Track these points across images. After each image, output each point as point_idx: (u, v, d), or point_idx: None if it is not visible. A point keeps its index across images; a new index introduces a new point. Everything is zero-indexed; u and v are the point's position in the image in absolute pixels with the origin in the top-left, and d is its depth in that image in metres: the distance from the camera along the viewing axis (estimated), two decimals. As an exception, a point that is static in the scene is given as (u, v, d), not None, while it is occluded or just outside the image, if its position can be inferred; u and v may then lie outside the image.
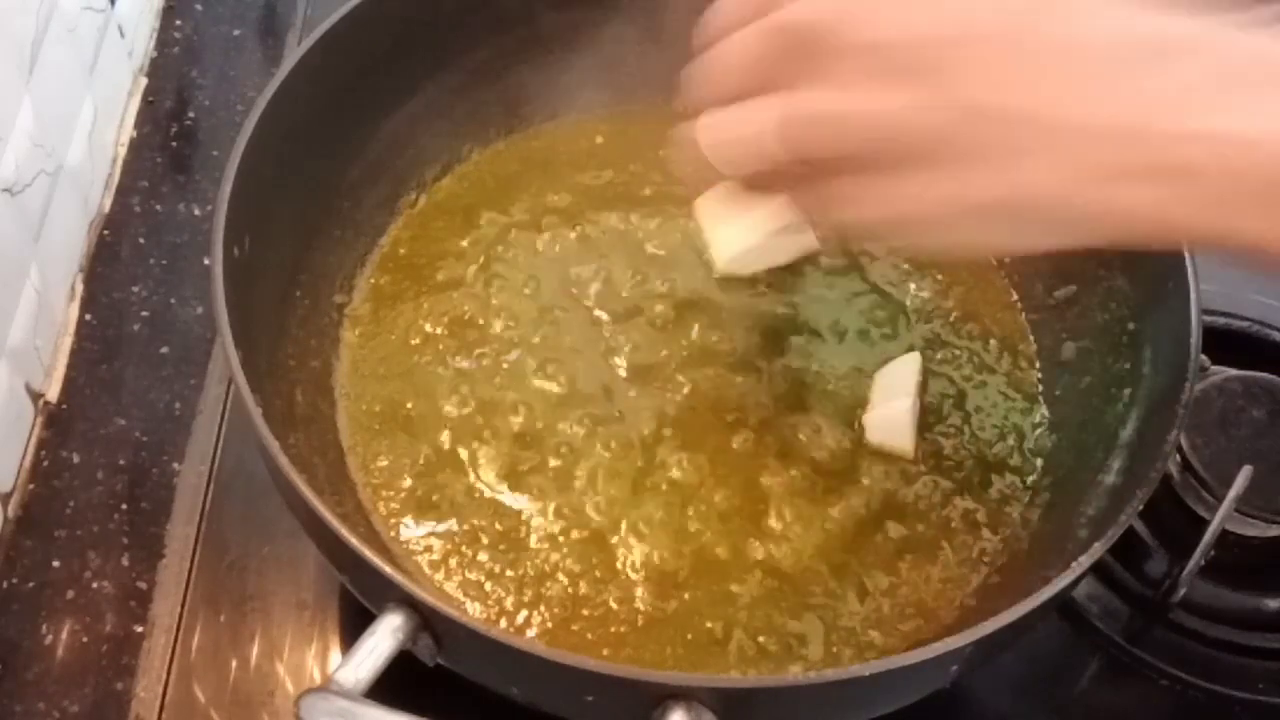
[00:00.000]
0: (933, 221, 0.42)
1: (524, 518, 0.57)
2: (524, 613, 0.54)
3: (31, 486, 0.63)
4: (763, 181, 0.49)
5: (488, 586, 0.55)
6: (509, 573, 0.55)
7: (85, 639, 0.59)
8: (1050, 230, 0.42)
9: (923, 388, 0.61)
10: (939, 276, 0.65)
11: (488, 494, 0.57)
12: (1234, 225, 0.38)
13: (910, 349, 0.62)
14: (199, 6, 0.84)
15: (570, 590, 0.55)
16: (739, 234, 0.65)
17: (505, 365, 0.61)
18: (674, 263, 0.65)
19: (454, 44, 0.66)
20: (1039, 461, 0.59)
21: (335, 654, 0.59)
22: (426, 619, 0.44)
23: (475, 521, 0.57)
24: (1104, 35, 0.39)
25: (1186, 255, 0.54)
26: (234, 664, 0.58)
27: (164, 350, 0.69)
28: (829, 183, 0.44)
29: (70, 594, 0.60)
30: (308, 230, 0.61)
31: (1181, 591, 0.59)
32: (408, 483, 0.58)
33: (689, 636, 0.54)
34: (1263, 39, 0.38)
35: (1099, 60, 0.39)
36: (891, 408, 0.59)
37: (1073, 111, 0.39)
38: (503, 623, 0.54)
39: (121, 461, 0.65)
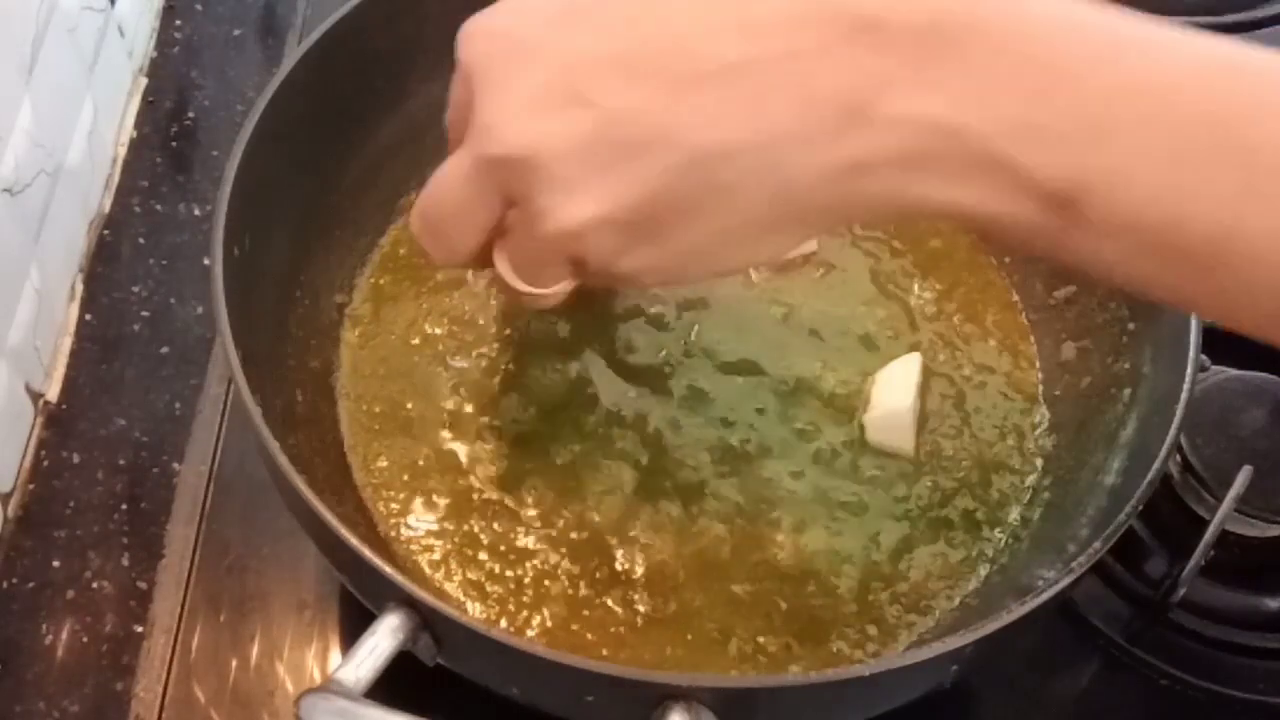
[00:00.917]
0: (691, 273, 0.44)
1: (524, 518, 0.57)
2: (524, 613, 0.54)
3: (31, 486, 0.63)
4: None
5: (488, 587, 0.55)
6: (509, 573, 0.55)
7: (85, 639, 0.59)
8: (791, 236, 0.43)
9: (923, 388, 0.61)
10: (940, 277, 0.65)
11: (488, 494, 0.57)
12: (956, 199, 0.39)
13: (911, 349, 0.62)
14: (199, 6, 0.84)
15: (570, 591, 0.55)
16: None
17: (505, 365, 0.61)
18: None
19: (454, 44, 0.66)
20: (1039, 461, 0.59)
21: (335, 654, 0.59)
22: (426, 619, 0.44)
23: (475, 522, 0.57)
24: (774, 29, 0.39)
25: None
26: (234, 664, 0.58)
27: (164, 350, 0.69)
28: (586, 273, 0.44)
29: (70, 594, 0.60)
30: (308, 230, 0.61)
31: (1181, 591, 0.59)
32: (408, 483, 0.58)
33: (689, 636, 0.54)
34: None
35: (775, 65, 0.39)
36: (892, 408, 0.59)
37: (787, 118, 0.39)
38: (503, 623, 0.54)
39: (121, 461, 0.65)
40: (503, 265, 0.45)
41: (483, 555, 0.56)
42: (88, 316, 0.70)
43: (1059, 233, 0.38)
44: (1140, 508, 0.48)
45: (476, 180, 0.42)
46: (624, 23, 0.40)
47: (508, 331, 0.62)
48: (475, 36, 0.42)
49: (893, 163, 0.38)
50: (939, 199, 0.39)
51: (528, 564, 0.56)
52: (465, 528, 0.56)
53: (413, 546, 0.56)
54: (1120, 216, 0.37)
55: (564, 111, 0.40)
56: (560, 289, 0.45)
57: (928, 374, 0.61)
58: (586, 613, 0.54)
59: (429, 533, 0.56)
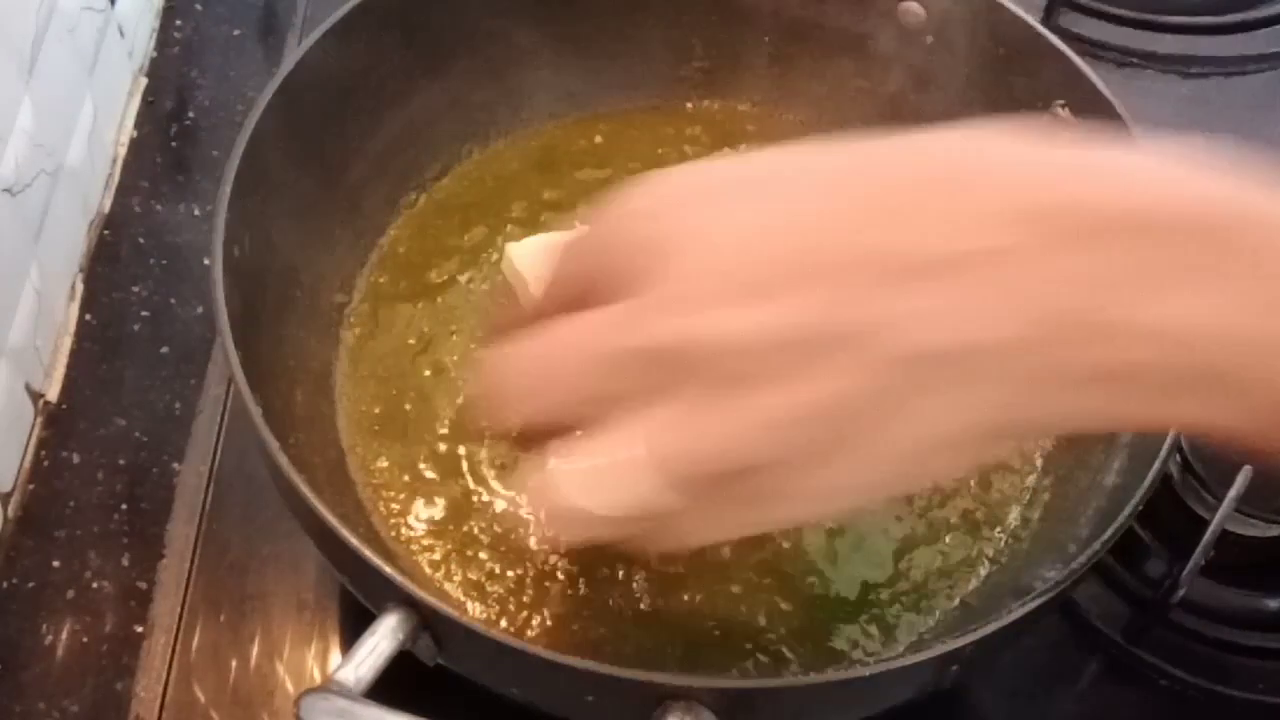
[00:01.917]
0: (881, 484, 0.38)
1: (524, 518, 0.57)
2: (524, 613, 0.54)
3: (31, 486, 0.63)
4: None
5: (488, 587, 0.55)
6: (509, 573, 0.55)
7: (85, 639, 0.59)
8: (988, 447, 0.38)
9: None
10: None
11: (488, 494, 0.57)
12: (1173, 414, 0.36)
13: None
14: (199, 6, 0.84)
15: (570, 590, 0.55)
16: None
17: (505, 365, 0.61)
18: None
19: (454, 44, 0.66)
20: (1039, 461, 0.59)
21: (335, 654, 0.59)
22: (426, 619, 0.44)
23: (475, 522, 0.57)
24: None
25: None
26: (234, 664, 0.58)
27: (164, 350, 0.68)
28: (738, 491, 0.37)
29: (70, 594, 0.60)
30: (308, 230, 0.61)
31: (1181, 591, 0.59)
32: (408, 483, 0.58)
33: (689, 636, 0.54)
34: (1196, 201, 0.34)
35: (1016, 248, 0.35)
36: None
37: (1008, 324, 0.35)
38: (503, 623, 0.54)
39: (121, 461, 0.65)
40: (652, 467, 0.36)
41: (483, 555, 0.56)
42: (88, 316, 0.70)
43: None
44: (1140, 508, 0.48)
45: (623, 360, 0.36)
46: (818, 205, 0.36)
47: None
48: (643, 210, 0.37)
49: (1118, 376, 0.34)
50: (1161, 414, 0.36)
51: (528, 564, 0.55)
52: (465, 528, 0.56)
53: (413, 546, 0.56)
54: None
55: (757, 300, 0.35)
56: (634, 512, 0.37)
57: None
58: (587, 613, 0.54)
59: (429, 533, 0.56)
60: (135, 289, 0.71)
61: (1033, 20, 0.62)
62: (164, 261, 0.72)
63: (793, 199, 0.36)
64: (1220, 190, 0.34)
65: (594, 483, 0.37)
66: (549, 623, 0.54)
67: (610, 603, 0.55)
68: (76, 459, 0.64)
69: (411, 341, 0.62)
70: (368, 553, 0.44)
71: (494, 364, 0.39)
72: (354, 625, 0.57)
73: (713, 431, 0.36)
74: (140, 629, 0.59)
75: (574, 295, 0.38)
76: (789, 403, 0.35)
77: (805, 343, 0.35)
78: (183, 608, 0.60)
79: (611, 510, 0.37)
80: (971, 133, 0.37)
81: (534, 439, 0.39)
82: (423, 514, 0.57)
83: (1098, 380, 0.35)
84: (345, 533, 0.45)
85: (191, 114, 0.79)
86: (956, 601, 0.55)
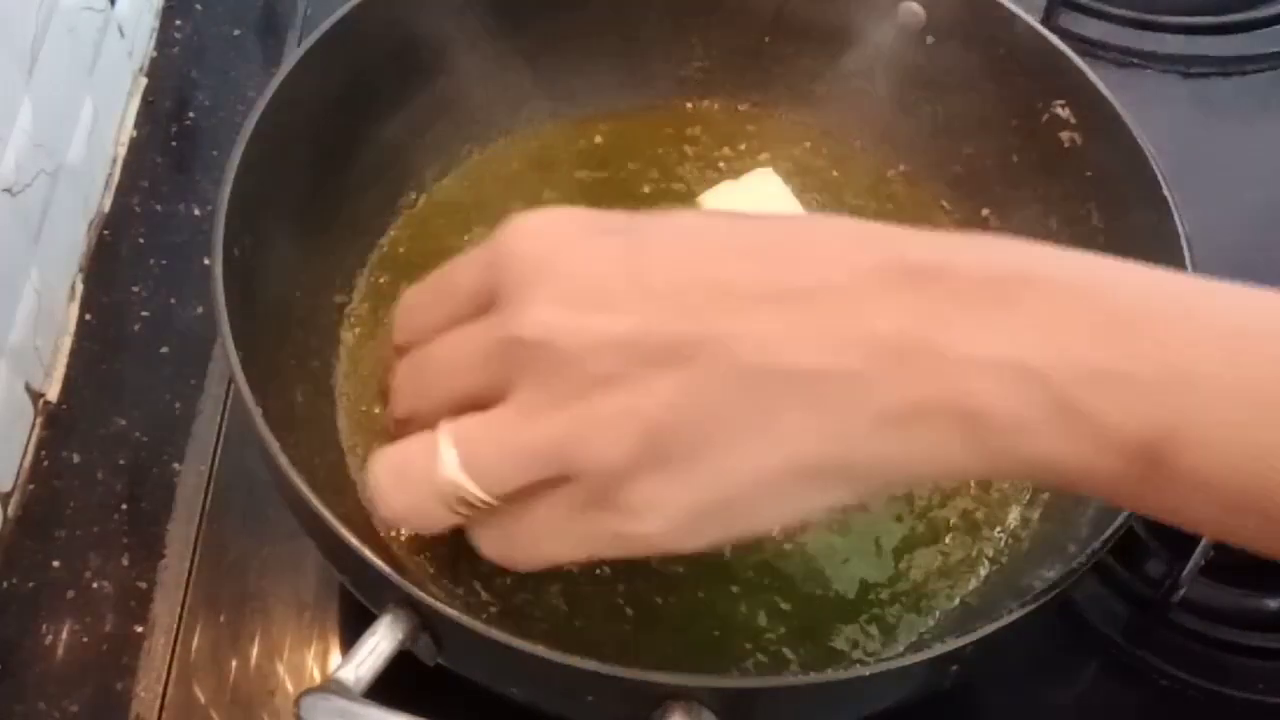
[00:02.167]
0: (711, 512, 0.39)
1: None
2: (524, 612, 0.54)
3: (31, 486, 0.63)
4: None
5: (488, 586, 0.55)
6: (509, 572, 0.55)
7: (85, 639, 0.59)
8: (815, 490, 0.38)
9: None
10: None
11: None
12: (1010, 458, 0.36)
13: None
14: (199, 6, 0.84)
15: (571, 590, 0.55)
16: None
17: (505, 365, 0.61)
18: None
19: (454, 44, 0.66)
20: (1039, 461, 0.59)
21: (335, 654, 0.59)
22: (426, 619, 0.44)
23: (475, 521, 0.56)
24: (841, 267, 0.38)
25: (1186, 258, 0.54)
26: (234, 664, 0.58)
27: (164, 350, 0.68)
28: (559, 498, 0.40)
29: (70, 594, 0.60)
30: (308, 230, 0.61)
31: (1181, 591, 0.59)
32: (408, 483, 0.58)
33: (689, 636, 0.54)
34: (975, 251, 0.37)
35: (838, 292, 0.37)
36: None
37: (844, 352, 0.36)
38: (503, 623, 0.54)
39: (121, 461, 0.64)
40: (448, 447, 0.40)
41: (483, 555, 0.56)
42: (88, 316, 0.70)
43: (1143, 485, 0.35)
44: (1140, 508, 0.48)
45: (486, 352, 0.40)
46: (677, 245, 0.39)
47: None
48: (526, 231, 0.41)
49: (956, 409, 0.36)
50: (1005, 451, 0.36)
51: (528, 564, 0.55)
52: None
53: (413, 546, 0.56)
54: (1209, 468, 0.34)
55: (609, 310, 0.38)
56: (488, 499, 0.41)
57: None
58: (587, 612, 0.54)
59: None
60: (135, 289, 0.71)
61: (1033, 20, 0.62)
62: (164, 261, 0.72)
63: (645, 241, 0.40)
64: (1017, 255, 0.38)
65: (400, 472, 0.42)
66: (549, 622, 0.54)
67: (610, 603, 0.55)
68: (76, 459, 0.64)
69: (411, 341, 0.62)
70: (368, 553, 0.44)
71: (402, 362, 0.45)
72: (354, 625, 0.56)
73: (523, 428, 0.39)
74: (140, 629, 0.59)
75: (460, 308, 0.42)
76: (608, 407, 0.37)
77: (635, 347, 0.37)
78: (183, 608, 0.60)
79: (414, 500, 0.41)
80: (818, 216, 0.41)
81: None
82: (423, 514, 0.57)
83: (931, 416, 0.36)
84: (345, 533, 0.45)
85: (191, 114, 0.79)
86: (956, 601, 0.55)
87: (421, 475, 0.41)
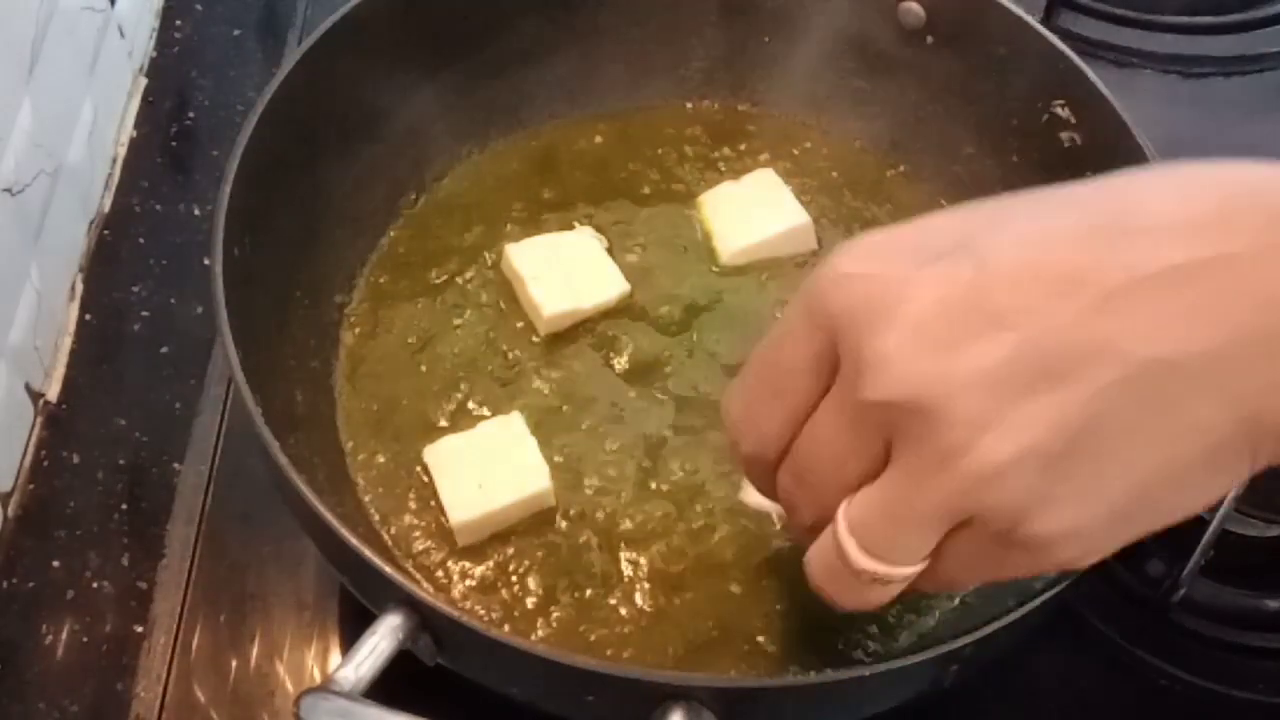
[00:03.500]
0: (1123, 519, 0.37)
1: (525, 517, 0.57)
2: (524, 612, 0.54)
3: (31, 486, 0.63)
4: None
5: (488, 586, 0.55)
6: (510, 572, 0.55)
7: (85, 639, 0.59)
8: (1243, 464, 0.36)
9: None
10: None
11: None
12: None
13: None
14: (199, 6, 0.84)
15: (571, 590, 0.55)
16: (744, 229, 0.66)
17: (506, 365, 0.61)
18: (675, 260, 0.65)
19: (453, 44, 0.66)
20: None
21: (335, 654, 0.59)
22: (426, 619, 0.44)
23: (475, 521, 0.57)
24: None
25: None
26: (234, 664, 0.58)
27: (164, 350, 0.68)
28: (972, 542, 0.37)
29: (70, 594, 0.60)
30: (308, 229, 0.61)
31: (1181, 591, 0.59)
32: (408, 482, 0.58)
33: (689, 636, 0.54)
34: None
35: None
36: None
37: (1227, 330, 0.34)
38: (503, 623, 0.54)
39: (121, 461, 0.64)
40: (847, 537, 0.38)
41: (483, 555, 0.56)
42: (88, 316, 0.70)
43: None
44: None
45: (856, 428, 0.37)
46: (1023, 238, 0.36)
47: (510, 330, 0.63)
48: (848, 274, 0.37)
49: None
50: None
51: (527, 563, 0.55)
52: (465, 528, 0.56)
53: (413, 546, 0.56)
54: None
55: (969, 340, 0.35)
56: (909, 572, 0.38)
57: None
58: (588, 613, 0.54)
59: (429, 532, 0.56)
60: (135, 289, 0.71)
61: (1033, 20, 0.62)
62: (164, 261, 0.72)
63: (984, 258, 0.36)
64: None
65: (828, 575, 0.40)
66: (550, 623, 0.54)
67: (611, 602, 0.55)
68: (76, 459, 0.64)
69: (411, 341, 0.62)
70: (368, 553, 0.44)
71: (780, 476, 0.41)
72: (354, 625, 0.56)
73: (913, 498, 0.36)
74: (140, 629, 0.59)
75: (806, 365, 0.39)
76: (996, 453, 0.34)
77: (1006, 380, 0.34)
78: (183, 608, 0.60)
79: (878, 569, 0.38)
80: (1106, 180, 0.37)
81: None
82: (423, 513, 0.57)
83: None
84: (345, 533, 0.45)
85: (191, 114, 0.79)
86: (956, 601, 0.55)
87: (843, 572, 0.39)
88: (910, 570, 0.38)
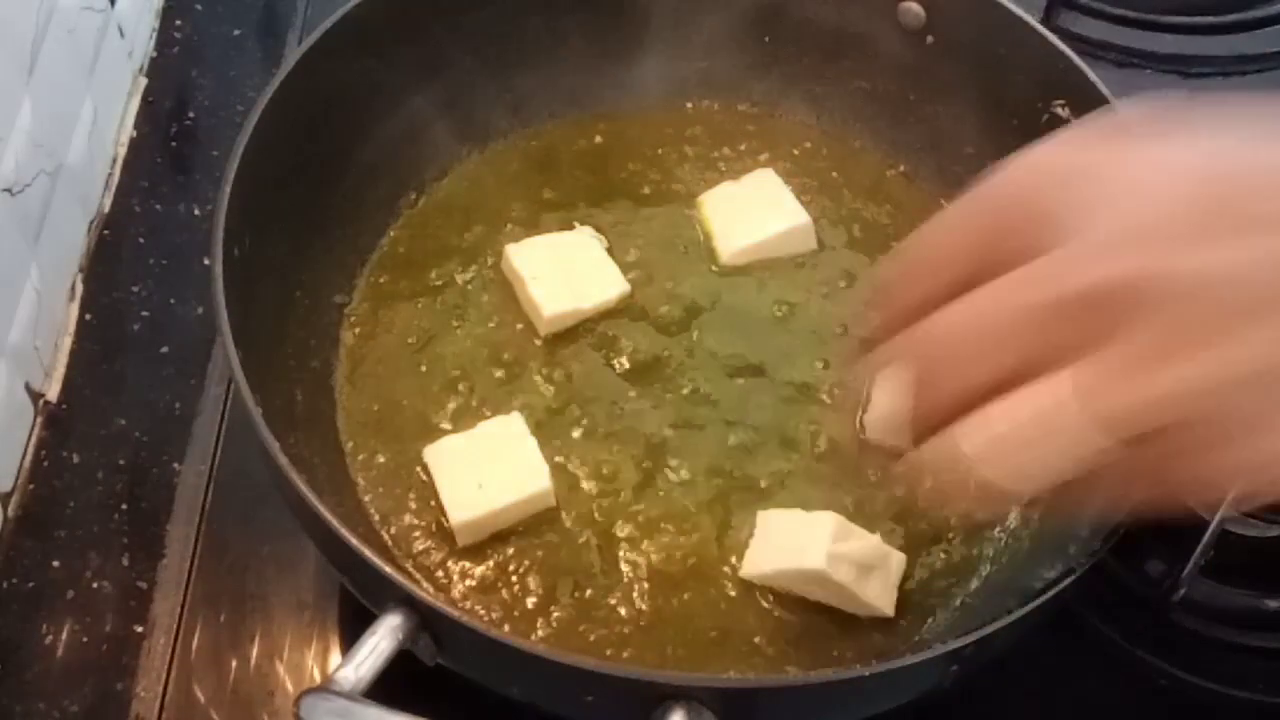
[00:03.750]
0: None
1: (525, 517, 0.57)
2: (525, 612, 0.54)
3: (31, 486, 0.63)
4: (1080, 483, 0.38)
5: (488, 585, 0.55)
6: (510, 571, 0.55)
7: (85, 639, 0.59)
8: None
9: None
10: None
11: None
12: None
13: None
14: (199, 6, 0.84)
15: (571, 590, 0.55)
16: (744, 229, 0.66)
17: (505, 366, 0.61)
18: (674, 260, 0.65)
19: (453, 44, 0.66)
20: (1039, 461, 0.59)
21: (335, 654, 0.59)
22: (426, 619, 0.44)
23: (475, 521, 0.57)
24: None
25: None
26: (234, 664, 0.58)
27: (164, 350, 0.68)
28: (1159, 452, 0.35)
29: (70, 594, 0.60)
30: (308, 230, 0.61)
31: (1181, 591, 0.59)
32: (407, 482, 0.58)
33: (689, 636, 0.54)
34: None
35: None
36: (892, 407, 0.59)
37: None
38: (504, 623, 0.54)
39: (121, 461, 0.64)
40: (1074, 401, 0.35)
41: (483, 555, 0.56)
42: (88, 316, 0.69)
43: None
44: (1140, 508, 0.48)
45: (1057, 306, 0.35)
46: (1226, 161, 0.35)
47: (511, 330, 0.63)
48: (1049, 151, 0.36)
49: None
50: None
51: (528, 563, 0.55)
52: (465, 528, 0.56)
53: (413, 546, 0.56)
54: None
55: (1204, 246, 0.33)
56: (1058, 469, 0.37)
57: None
58: (588, 613, 0.54)
59: (429, 532, 0.56)
60: (135, 289, 0.71)
61: (1033, 20, 0.63)
62: (164, 261, 0.72)
63: (1183, 153, 0.35)
64: None
65: (1012, 447, 0.37)
66: (551, 623, 0.54)
67: (611, 603, 0.55)
68: (76, 459, 0.64)
69: (411, 340, 0.62)
70: (368, 553, 0.44)
71: (914, 342, 0.38)
72: (354, 625, 0.56)
73: (1153, 381, 0.34)
74: (140, 629, 0.59)
75: (962, 269, 0.37)
76: (1233, 357, 0.33)
77: (1255, 287, 0.33)
78: (183, 608, 0.60)
79: (1033, 472, 0.36)
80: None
81: (935, 421, 0.38)
82: (423, 513, 0.57)
83: None
84: (345, 533, 0.45)
85: (191, 114, 0.79)
86: (956, 601, 0.55)
87: (1048, 430, 0.36)
88: (1110, 445, 0.35)
